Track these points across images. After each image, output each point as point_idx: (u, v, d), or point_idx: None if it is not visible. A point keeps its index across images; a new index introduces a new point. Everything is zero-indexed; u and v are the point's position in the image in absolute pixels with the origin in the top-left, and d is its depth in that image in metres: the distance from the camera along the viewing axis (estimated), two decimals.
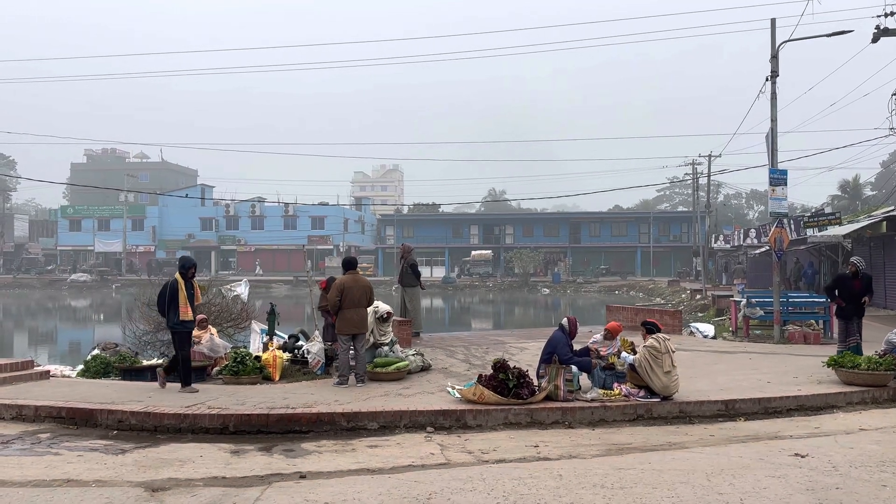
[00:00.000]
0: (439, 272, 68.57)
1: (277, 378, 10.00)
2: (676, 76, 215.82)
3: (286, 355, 10.81)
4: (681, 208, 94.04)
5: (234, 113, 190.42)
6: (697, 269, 51.61)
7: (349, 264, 9.84)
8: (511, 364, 8.43)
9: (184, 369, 9.17)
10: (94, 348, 12.45)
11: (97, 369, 10.87)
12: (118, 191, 63.66)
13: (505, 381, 8.08)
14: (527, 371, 8.42)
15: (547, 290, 58.55)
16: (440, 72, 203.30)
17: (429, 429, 7.55)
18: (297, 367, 10.67)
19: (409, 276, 14.61)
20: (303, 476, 5.82)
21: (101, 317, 43.04)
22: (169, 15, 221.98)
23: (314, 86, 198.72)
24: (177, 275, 9.30)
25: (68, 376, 11.19)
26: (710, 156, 48.23)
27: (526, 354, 12.03)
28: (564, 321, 8.79)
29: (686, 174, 58.16)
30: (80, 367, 11.64)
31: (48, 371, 10.78)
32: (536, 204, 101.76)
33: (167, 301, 9.18)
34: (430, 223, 76.73)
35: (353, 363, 9.52)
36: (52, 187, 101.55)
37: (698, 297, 35.05)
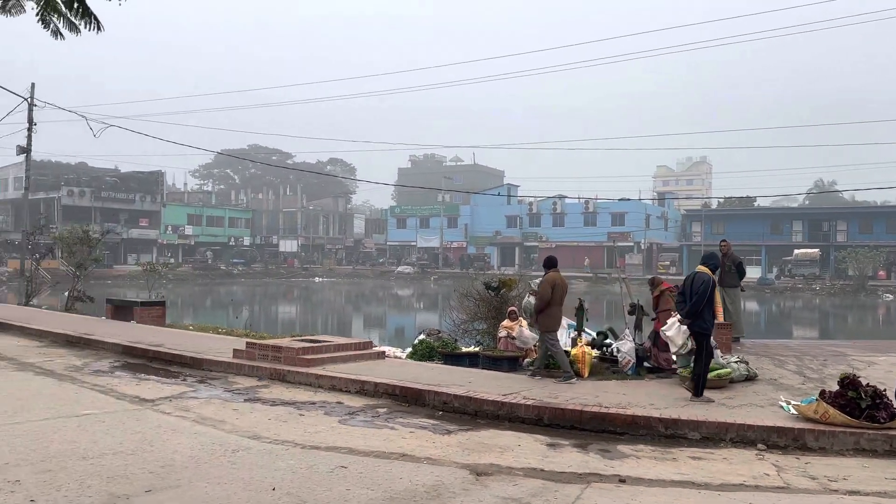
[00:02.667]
0: (754, 272, 62.77)
1: (586, 375, 9.89)
2: None
3: (594, 352, 10.66)
4: None
5: (530, 115, 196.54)
6: None
7: (553, 263, 9.92)
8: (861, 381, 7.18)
9: (704, 375, 8.18)
10: (420, 333, 13.65)
11: (423, 353, 11.87)
12: (437, 191, 69.95)
13: (855, 399, 6.90)
14: (883, 390, 7.10)
15: (890, 297, 50.11)
16: (752, 57, 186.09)
17: (760, 446, 6.77)
18: (606, 366, 10.46)
19: (732, 275, 13.35)
20: (622, 480, 5.57)
21: (422, 305, 47.65)
22: (471, 26, 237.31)
23: (613, 82, 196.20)
24: (704, 269, 8.38)
25: (399, 357, 12.40)
26: None
27: (875, 370, 10.24)
28: None
29: None
30: (409, 349, 12.82)
31: (384, 352, 12.05)
32: (876, 196, 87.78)
33: (706, 300, 8.14)
34: (743, 218, 70.81)
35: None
36: (384, 190, 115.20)
37: None
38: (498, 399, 7.93)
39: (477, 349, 11.89)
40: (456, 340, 12.77)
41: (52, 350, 12.57)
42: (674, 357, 9.84)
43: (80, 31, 4.42)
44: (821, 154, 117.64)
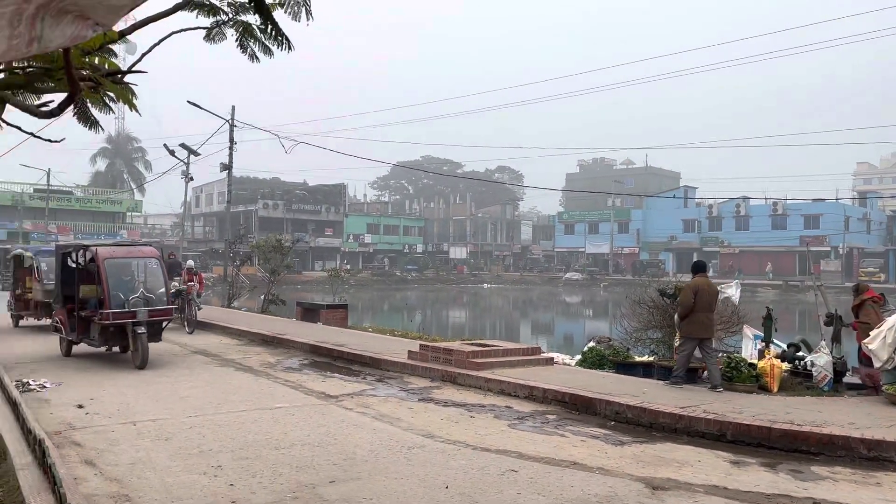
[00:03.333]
0: None
1: (775, 389, 9.14)
2: None
3: (785, 365, 9.83)
4: None
5: (717, 113, 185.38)
6: None
7: (700, 268, 9.98)
8: None
9: None
10: (589, 341, 13.37)
11: (593, 360, 11.60)
12: (606, 195, 68.33)
13: None
14: None
15: None
16: None
17: None
18: (798, 380, 9.61)
19: None
20: (816, 503, 5.09)
21: (591, 312, 46.68)
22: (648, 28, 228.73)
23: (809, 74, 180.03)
24: None
25: (568, 364, 12.22)
26: None
27: None
28: None
29: None
30: (578, 356, 12.60)
31: (552, 358, 11.95)
32: None
33: None
34: None
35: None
36: (552, 197, 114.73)
37: None
38: (675, 412, 7.56)
39: (651, 359, 11.42)
40: (628, 349, 12.35)
41: (249, 348, 13.84)
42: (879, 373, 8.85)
43: (272, 54, 4.84)
44: None
